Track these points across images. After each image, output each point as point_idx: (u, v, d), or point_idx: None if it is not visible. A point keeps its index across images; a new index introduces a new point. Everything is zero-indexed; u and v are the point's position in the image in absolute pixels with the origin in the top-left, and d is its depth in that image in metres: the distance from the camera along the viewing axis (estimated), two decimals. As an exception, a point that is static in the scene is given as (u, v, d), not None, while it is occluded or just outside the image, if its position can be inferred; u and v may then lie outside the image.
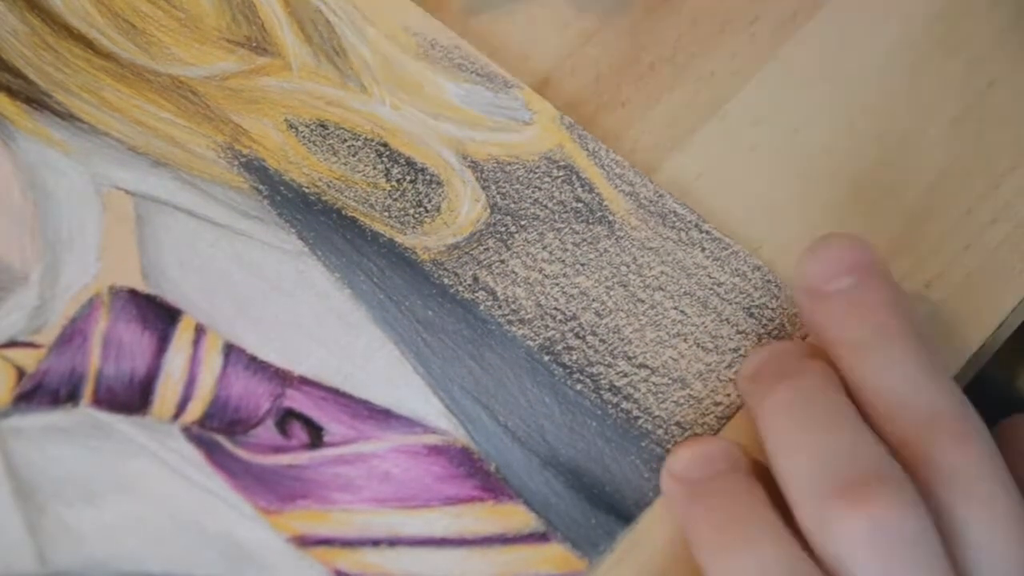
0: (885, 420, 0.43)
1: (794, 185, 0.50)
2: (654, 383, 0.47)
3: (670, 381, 0.47)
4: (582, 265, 0.49)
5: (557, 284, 0.49)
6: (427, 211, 0.50)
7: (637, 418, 0.47)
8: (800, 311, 0.47)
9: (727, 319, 0.48)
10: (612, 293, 0.48)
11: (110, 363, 0.47)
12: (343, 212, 0.49)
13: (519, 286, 0.49)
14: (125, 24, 0.52)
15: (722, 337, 0.48)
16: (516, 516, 0.45)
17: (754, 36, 0.52)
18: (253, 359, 0.47)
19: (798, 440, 0.43)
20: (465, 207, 0.50)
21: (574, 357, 0.48)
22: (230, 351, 0.47)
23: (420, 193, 0.50)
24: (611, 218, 0.49)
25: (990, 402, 0.46)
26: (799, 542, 0.42)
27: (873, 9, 0.52)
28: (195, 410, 0.46)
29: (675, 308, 0.48)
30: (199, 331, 0.47)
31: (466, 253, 0.49)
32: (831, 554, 0.41)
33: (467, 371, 0.47)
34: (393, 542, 0.45)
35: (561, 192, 0.50)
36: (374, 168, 0.50)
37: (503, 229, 0.49)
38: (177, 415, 0.46)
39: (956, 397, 0.43)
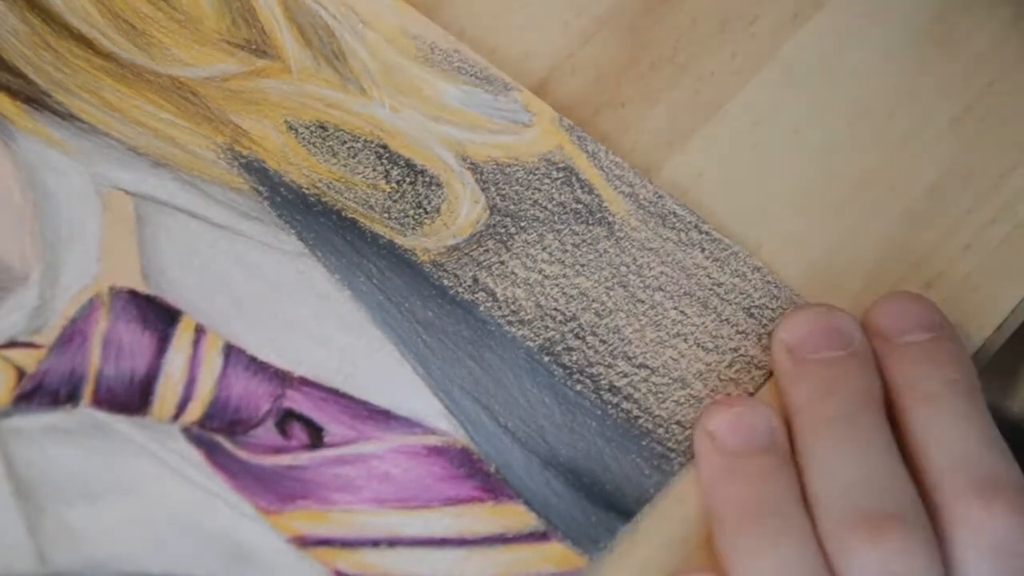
0: (937, 470, 0.44)
1: (794, 185, 0.50)
2: (654, 383, 0.47)
3: (670, 381, 0.47)
4: (582, 266, 0.49)
5: (557, 285, 0.49)
6: (427, 213, 0.50)
7: (637, 418, 0.47)
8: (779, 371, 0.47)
9: (727, 319, 0.48)
10: (612, 294, 0.48)
11: (110, 363, 0.47)
12: (343, 213, 0.49)
13: (519, 287, 0.49)
14: (125, 25, 0.52)
15: (722, 337, 0.48)
16: (516, 516, 0.45)
17: (754, 36, 0.52)
18: (253, 360, 0.47)
19: (833, 462, 0.44)
20: (465, 209, 0.50)
21: (574, 357, 0.48)
22: (230, 352, 0.47)
23: (420, 195, 0.50)
24: (611, 219, 0.49)
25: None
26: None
27: (873, 9, 0.52)
28: (195, 410, 0.46)
29: (675, 308, 0.48)
30: (199, 332, 0.47)
31: (466, 254, 0.49)
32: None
33: (467, 372, 0.47)
34: (393, 542, 0.45)
35: (561, 193, 0.50)
36: (374, 170, 0.50)
37: (503, 230, 0.49)
38: (177, 415, 0.46)
39: (1012, 465, 0.44)
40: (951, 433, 0.44)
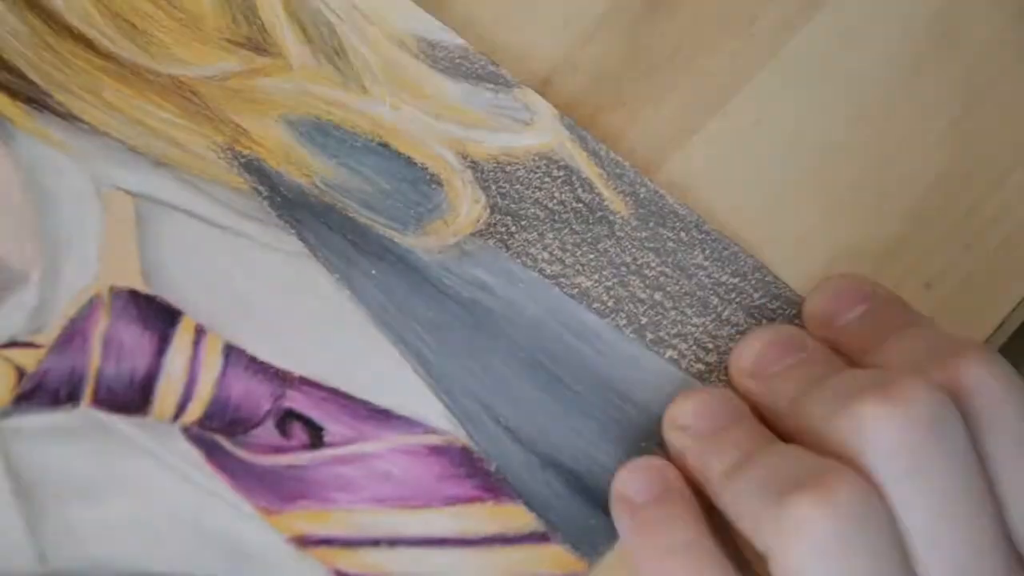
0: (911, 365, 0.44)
1: (794, 185, 0.50)
2: (654, 384, 0.47)
3: (670, 382, 0.47)
4: (582, 265, 0.49)
5: (557, 284, 0.49)
6: (427, 211, 0.50)
7: (637, 418, 0.47)
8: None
9: (727, 319, 0.48)
10: (612, 293, 0.48)
11: (110, 363, 0.47)
12: (343, 213, 0.49)
13: (519, 286, 0.49)
14: (125, 24, 0.52)
15: (722, 337, 0.48)
16: (516, 516, 0.45)
17: (754, 36, 0.52)
18: (253, 360, 0.47)
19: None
20: (465, 207, 0.50)
21: (574, 357, 0.48)
22: (230, 352, 0.47)
23: (420, 193, 0.50)
24: (611, 218, 0.49)
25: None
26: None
27: (873, 9, 0.52)
28: (195, 410, 0.46)
29: (675, 308, 0.48)
30: (199, 332, 0.47)
31: (466, 253, 0.49)
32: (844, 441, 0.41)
33: (467, 371, 0.47)
34: (393, 542, 0.45)
35: (561, 192, 0.50)
36: (374, 168, 0.50)
37: (503, 229, 0.49)
38: (177, 415, 0.46)
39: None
40: (908, 342, 0.45)
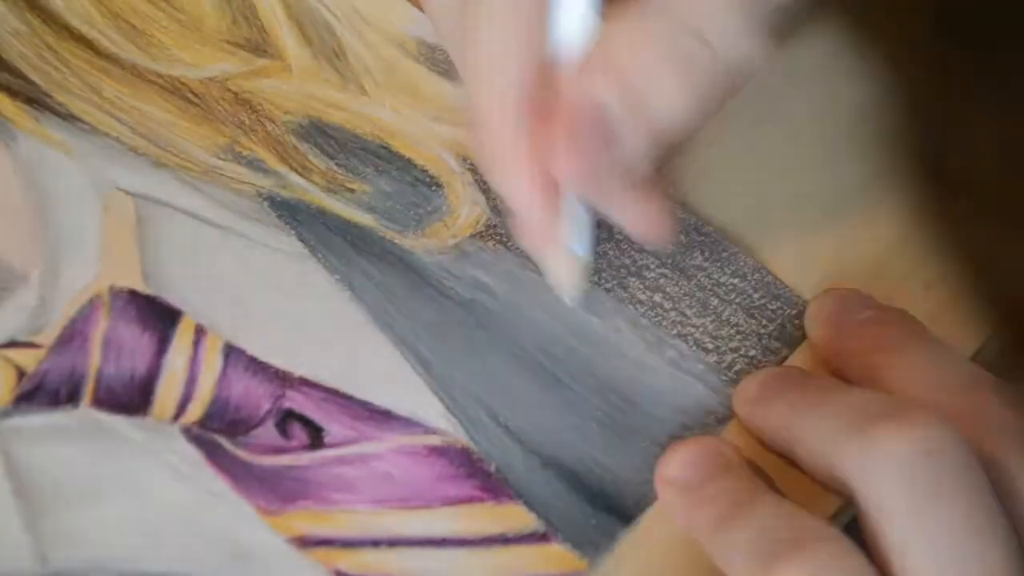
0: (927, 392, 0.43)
1: (794, 186, 0.50)
2: (655, 384, 0.47)
3: (670, 382, 0.47)
4: (582, 266, 0.49)
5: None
6: (427, 213, 0.50)
7: (637, 418, 0.47)
8: (822, 345, 0.47)
9: (727, 320, 0.48)
10: (612, 295, 0.48)
11: (110, 363, 0.47)
12: (343, 214, 0.49)
13: (519, 287, 0.49)
14: (126, 25, 0.52)
15: (722, 338, 0.48)
16: (516, 516, 0.45)
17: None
18: (253, 360, 0.47)
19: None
20: (465, 209, 0.50)
21: (574, 358, 0.48)
22: (230, 352, 0.47)
23: (420, 195, 0.50)
24: (610, 219, 0.49)
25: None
26: None
27: (873, 9, 0.52)
28: (195, 411, 0.46)
29: (674, 309, 0.48)
30: (199, 332, 0.47)
31: (465, 254, 0.49)
32: (868, 476, 0.41)
33: (467, 371, 0.47)
34: (393, 542, 0.45)
35: (561, 193, 0.50)
36: (374, 170, 0.50)
37: (503, 231, 0.49)
38: (177, 416, 0.46)
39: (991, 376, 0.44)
40: (925, 357, 0.45)
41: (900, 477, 0.39)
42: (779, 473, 0.45)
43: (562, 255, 0.45)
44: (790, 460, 0.44)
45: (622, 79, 0.40)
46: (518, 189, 0.42)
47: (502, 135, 0.42)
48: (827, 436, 0.42)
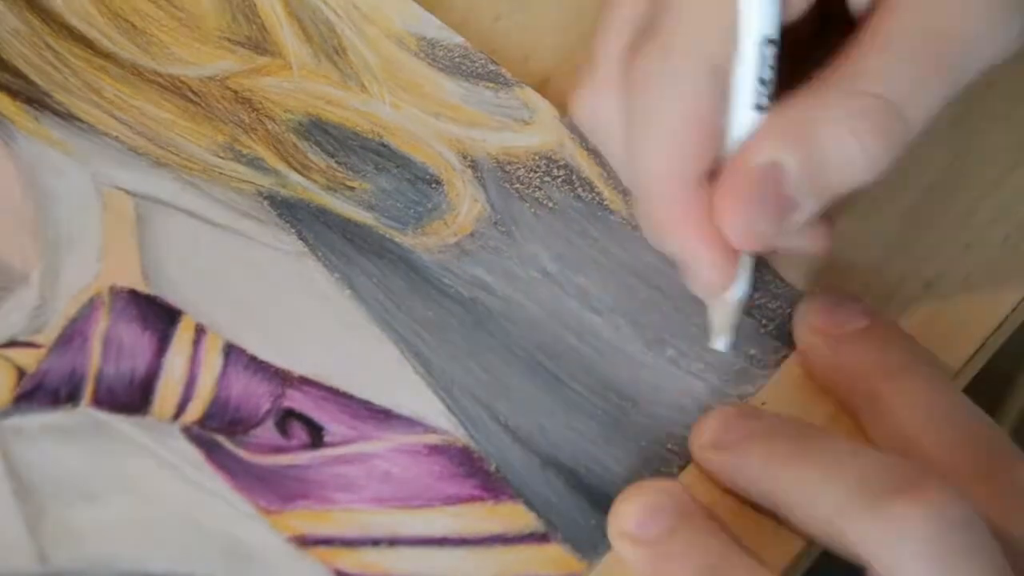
0: (930, 440, 0.44)
1: (794, 185, 0.50)
2: (654, 383, 0.47)
3: (670, 381, 0.47)
4: (582, 265, 0.49)
5: (557, 283, 0.49)
6: (427, 210, 0.50)
7: (637, 418, 0.47)
8: (815, 357, 0.47)
9: (727, 319, 0.48)
10: (612, 292, 0.48)
11: (110, 363, 0.47)
12: (343, 212, 0.49)
13: (518, 285, 0.49)
14: (125, 24, 0.52)
15: (722, 337, 0.48)
16: (516, 516, 0.45)
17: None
18: (253, 359, 0.47)
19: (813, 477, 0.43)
20: (465, 206, 0.50)
21: (574, 356, 0.48)
22: (230, 351, 0.47)
23: (420, 192, 0.50)
24: (611, 218, 0.49)
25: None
26: None
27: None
28: (195, 410, 0.46)
29: (674, 308, 0.48)
30: (199, 331, 0.47)
31: (466, 253, 0.49)
32: (885, 550, 0.40)
33: (467, 371, 0.47)
34: (393, 542, 0.45)
35: (561, 191, 0.50)
36: (374, 167, 0.50)
37: (503, 229, 0.49)
38: (177, 415, 0.46)
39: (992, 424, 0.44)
40: (928, 397, 0.44)
41: (919, 551, 0.39)
42: (736, 515, 0.44)
43: (728, 306, 0.46)
44: (746, 501, 0.44)
45: (801, 141, 0.41)
46: (694, 251, 0.44)
47: (676, 200, 0.44)
48: (835, 504, 0.41)
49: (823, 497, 0.41)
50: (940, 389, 0.45)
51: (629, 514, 0.44)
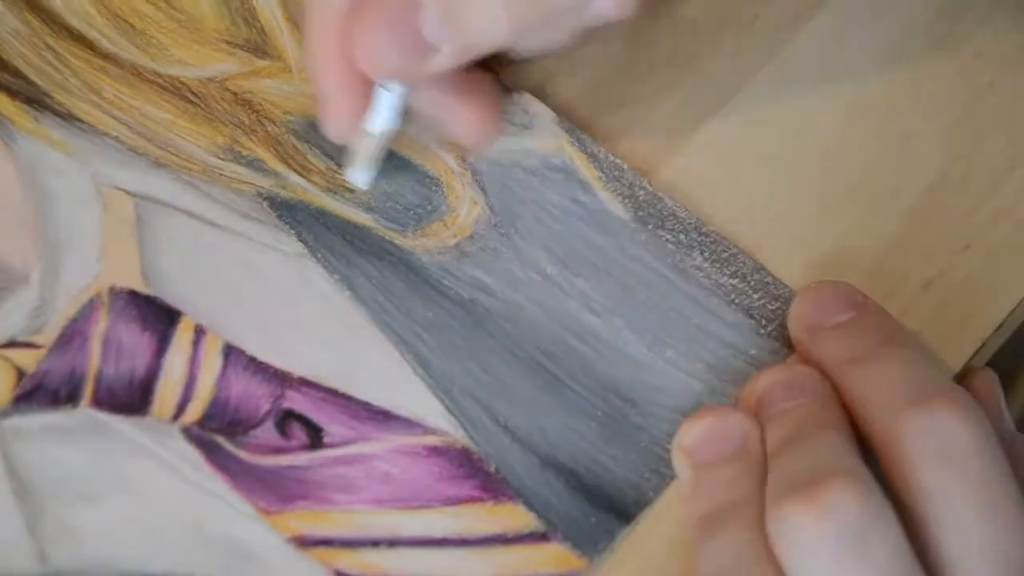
0: (874, 406, 0.43)
1: (794, 186, 0.50)
2: (654, 384, 0.47)
3: (670, 382, 0.47)
4: (581, 267, 0.49)
5: (556, 285, 0.49)
6: (426, 213, 0.50)
7: (637, 419, 0.47)
8: (799, 353, 0.47)
9: (727, 320, 0.48)
10: (611, 295, 0.48)
11: (110, 364, 0.47)
12: (342, 214, 0.49)
13: (518, 287, 0.49)
14: (125, 25, 0.52)
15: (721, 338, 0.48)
16: (516, 516, 0.45)
17: (754, 36, 0.52)
18: (253, 360, 0.47)
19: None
20: (464, 209, 0.50)
21: (573, 357, 0.48)
22: (230, 352, 0.47)
23: (420, 195, 0.50)
24: (610, 220, 0.49)
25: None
26: None
27: (873, 9, 0.52)
28: (195, 411, 0.46)
29: (674, 309, 0.48)
30: (199, 332, 0.47)
31: (465, 255, 0.49)
32: (786, 551, 0.41)
33: (467, 371, 0.47)
34: (393, 542, 0.45)
35: (560, 194, 0.50)
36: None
37: (502, 231, 0.49)
38: (177, 416, 0.46)
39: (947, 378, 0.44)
40: (884, 372, 0.44)
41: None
42: None
43: (364, 140, 0.48)
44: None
45: None
46: (330, 80, 0.47)
47: (322, 33, 0.46)
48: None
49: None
50: (901, 370, 0.44)
51: (693, 432, 0.45)
